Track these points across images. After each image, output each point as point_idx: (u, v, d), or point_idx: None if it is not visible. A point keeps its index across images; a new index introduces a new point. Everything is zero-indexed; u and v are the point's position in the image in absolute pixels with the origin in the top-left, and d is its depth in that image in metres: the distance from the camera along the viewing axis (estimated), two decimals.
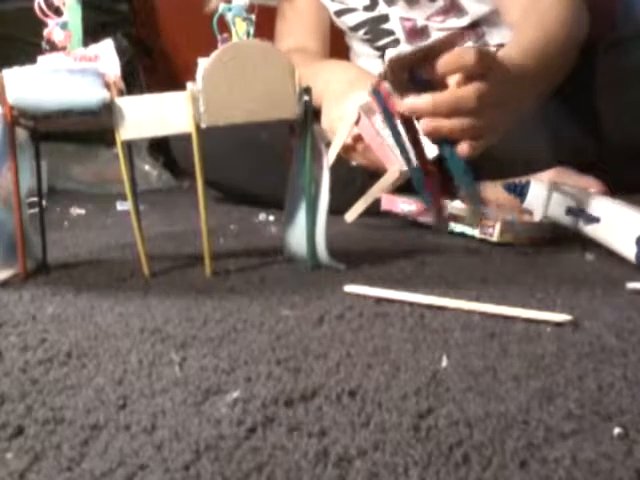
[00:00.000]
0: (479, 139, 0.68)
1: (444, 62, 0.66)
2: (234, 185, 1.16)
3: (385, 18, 1.10)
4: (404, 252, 0.75)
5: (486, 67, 0.67)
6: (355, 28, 1.14)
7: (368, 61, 1.17)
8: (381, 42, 1.13)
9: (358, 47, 1.20)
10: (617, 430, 0.33)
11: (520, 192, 0.82)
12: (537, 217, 0.80)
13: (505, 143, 0.75)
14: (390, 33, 1.11)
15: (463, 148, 0.67)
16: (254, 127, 0.63)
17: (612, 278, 0.64)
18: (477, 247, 0.80)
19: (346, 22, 1.15)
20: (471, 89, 0.66)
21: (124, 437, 0.33)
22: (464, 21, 1.06)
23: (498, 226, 0.80)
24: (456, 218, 0.85)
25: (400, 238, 0.88)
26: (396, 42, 1.11)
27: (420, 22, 1.08)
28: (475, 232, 0.82)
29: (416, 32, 1.09)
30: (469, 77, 0.67)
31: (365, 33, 1.14)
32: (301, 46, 1.18)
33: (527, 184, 0.82)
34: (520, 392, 0.38)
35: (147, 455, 0.31)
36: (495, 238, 0.80)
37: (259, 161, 1.09)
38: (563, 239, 0.82)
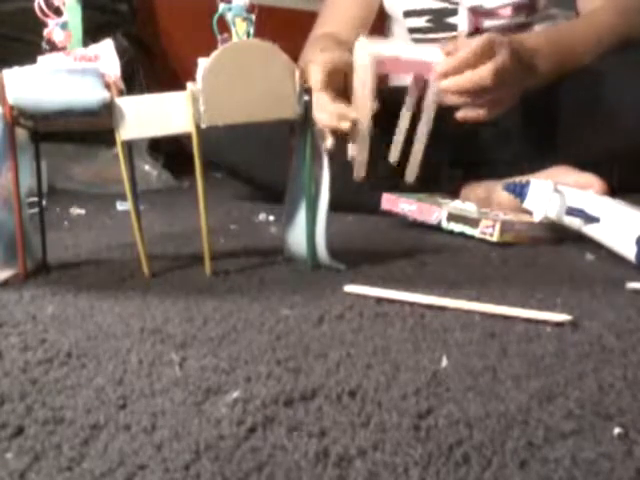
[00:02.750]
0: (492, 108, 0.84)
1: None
2: (251, 172, 1.13)
3: (453, 11, 1.09)
4: (404, 252, 0.75)
5: (486, 55, 0.80)
6: (416, 14, 1.13)
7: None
8: (440, 35, 1.12)
9: (401, 37, 1.18)
10: (617, 430, 0.33)
11: (520, 192, 0.82)
12: (537, 217, 0.80)
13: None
14: (452, 28, 1.10)
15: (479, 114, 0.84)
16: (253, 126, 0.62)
17: (612, 278, 0.64)
18: (477, 247, 0.80)
19: (408, 5, 1.13)
20: (484, 71, 0.79)
21: (124, 437, 0.33)
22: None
23: (498, 226, 0.80)
24: (456, 218, 0.85)
25: (400, 238, 0.88)
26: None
27: (486, 23, 1.09)
28: (475, 232, 0.82)
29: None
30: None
31: (427, 21, 1.12)
32: (335, 35, 1.15)
33: (527, 184, 0.82)
34: (520, 392, 0.38)
35: (147, 455, 0.31)
36: (495, 238, 0.80)
37: (268, 149, 1.06)
38: (563, 239, 0.82)
